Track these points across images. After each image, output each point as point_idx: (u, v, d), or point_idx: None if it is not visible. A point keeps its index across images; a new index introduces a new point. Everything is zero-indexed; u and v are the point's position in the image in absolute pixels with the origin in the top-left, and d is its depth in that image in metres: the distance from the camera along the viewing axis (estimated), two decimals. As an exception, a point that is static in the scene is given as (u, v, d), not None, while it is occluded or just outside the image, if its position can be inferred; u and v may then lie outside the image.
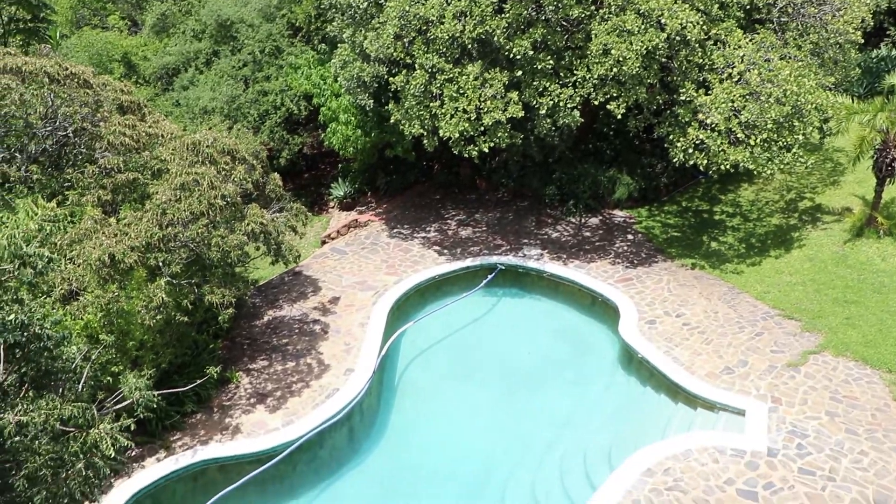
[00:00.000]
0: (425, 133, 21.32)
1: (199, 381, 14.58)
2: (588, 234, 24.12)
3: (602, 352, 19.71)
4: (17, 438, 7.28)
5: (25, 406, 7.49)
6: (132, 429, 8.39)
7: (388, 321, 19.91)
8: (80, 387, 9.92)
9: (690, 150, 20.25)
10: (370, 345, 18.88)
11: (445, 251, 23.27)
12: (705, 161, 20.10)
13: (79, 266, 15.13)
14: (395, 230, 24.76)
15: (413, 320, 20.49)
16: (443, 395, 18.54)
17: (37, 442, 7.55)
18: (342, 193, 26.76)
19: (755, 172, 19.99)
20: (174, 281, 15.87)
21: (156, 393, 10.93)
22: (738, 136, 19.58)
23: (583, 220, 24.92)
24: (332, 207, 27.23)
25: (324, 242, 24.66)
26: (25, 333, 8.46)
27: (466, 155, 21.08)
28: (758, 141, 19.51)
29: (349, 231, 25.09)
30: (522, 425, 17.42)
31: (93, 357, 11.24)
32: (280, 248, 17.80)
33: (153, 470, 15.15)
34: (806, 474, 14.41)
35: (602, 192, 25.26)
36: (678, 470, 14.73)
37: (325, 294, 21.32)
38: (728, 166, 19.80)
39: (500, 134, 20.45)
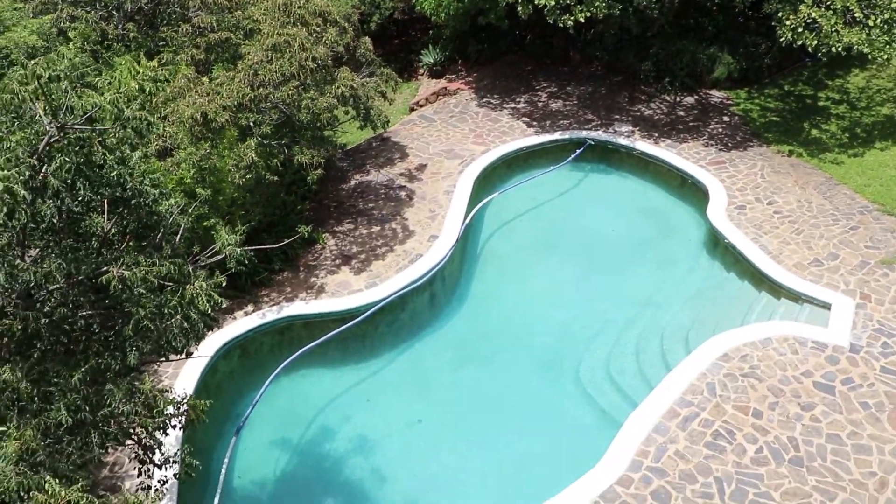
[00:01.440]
0: (519, 0, 20.61)
1: (287, 241, 15.02)
2: (682, 113, 23.36)
3: (688, 234, 19.45)
4: (123, 293, 7.70)
5: (127, 261, 7.86)
6: (223, 285, 8.74)
7: (473, 190, 19.94)
8: (176, 240, 10.30)
9: (800, 30, 19.12)
10: (455, 213, 19.01)
11: (535, 123, 22.92)
12: (815, 42, 18.99)
13: (172, 123, 15.49)
14: (484, 100, 24.41)
15: (499, 191, 20.48)
16: (524, 267, 18.71)
17: (140, 295, 7.98)
18: (432, 60, 26.34)
19: (869, 57, 18.77)
20: (264, 141, 16.14)
21: (246, 249, 11.27)
22: (856, 15, 18.35)
23: (678, 99, 24.09)
24: (422, 74, 26.90)
25: (412, 109, 24.52)
26: (126, 189, 8.78)
27: (561, 25, 20.36)
28: (877, 22, 18.25)
29: (438, 99, 24.84)
30: (602, 301, 17.54)
31: (188, 211, 11.62)
32: (369, 113, 17.82)
33: (242, 322, 15.92)
34: (888, 373, 14.22)
35: (700, 70, 24.21)
36: (755, 357, 14.71)
37: (412, 161, 21.39)
38: (840, 49, 18.66)
39: (597, 4, 19.64)
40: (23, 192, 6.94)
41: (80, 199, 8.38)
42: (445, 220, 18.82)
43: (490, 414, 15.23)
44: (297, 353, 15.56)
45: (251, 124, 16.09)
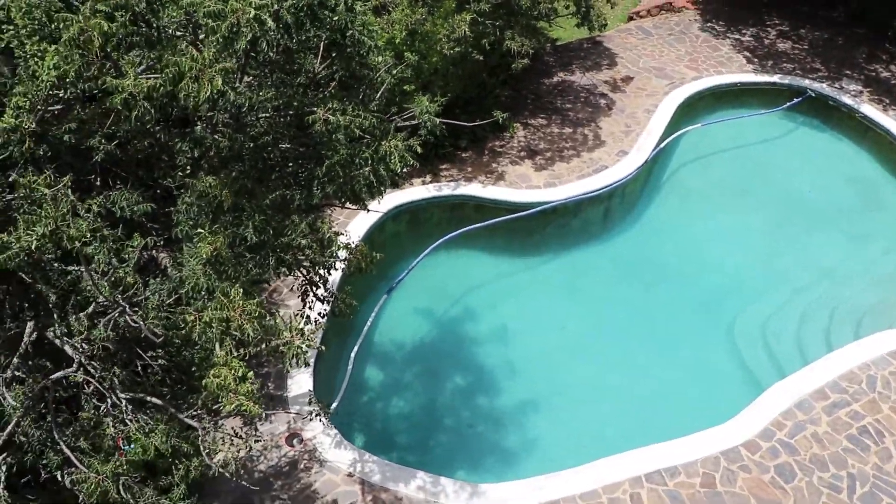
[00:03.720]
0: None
1: (480, 122, 15.07)
2: (925, 83, 21.34)
3: (894, 214, 18.02)
4: (323, 135, 7.99)
5: (334, 106, 8.10)
6: (417, 151, 8.89)
7: (675, 115, 19.15)
8: (377, 96, 10.49)
9: None
10: (651, 133, 18.38)
11: (755, 60, 21.54)
12: None
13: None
14: (708, 24, 23.10)
15: (701, 123, 19.56)
16: (708, 205, 18.06)
17: (337, 140, 8.25)
18: (666, -31, 25.02)
19: None
20: (479, 18, 16.00)
21: (441, 120, 11.35)
22: None
23: (925, 67, 21.94)
24: (651, -18, 25.67)
25: (630, 18, 23.57)
26: (346, 36, 8.95)
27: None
28: None
29: (660, 13, 23.73)
30: (780, 260, 16.75)
31: (394, 71, 11.78)
32: (588, 12, 17.33)
33: (418, 190, 16.32)
34: None
35: (964, 40, 21.79)
36: (932, 364, 13.73)
37: (619, 71, 20.71)
38: None
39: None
40: (271, 22, 7.19)
41: (303, 37, 8.63)
42: (639, 137, 18.24)
43: (635, 338, 15.10)
44: (461, 230, 15.90)
45: (470, -1, 15.98)
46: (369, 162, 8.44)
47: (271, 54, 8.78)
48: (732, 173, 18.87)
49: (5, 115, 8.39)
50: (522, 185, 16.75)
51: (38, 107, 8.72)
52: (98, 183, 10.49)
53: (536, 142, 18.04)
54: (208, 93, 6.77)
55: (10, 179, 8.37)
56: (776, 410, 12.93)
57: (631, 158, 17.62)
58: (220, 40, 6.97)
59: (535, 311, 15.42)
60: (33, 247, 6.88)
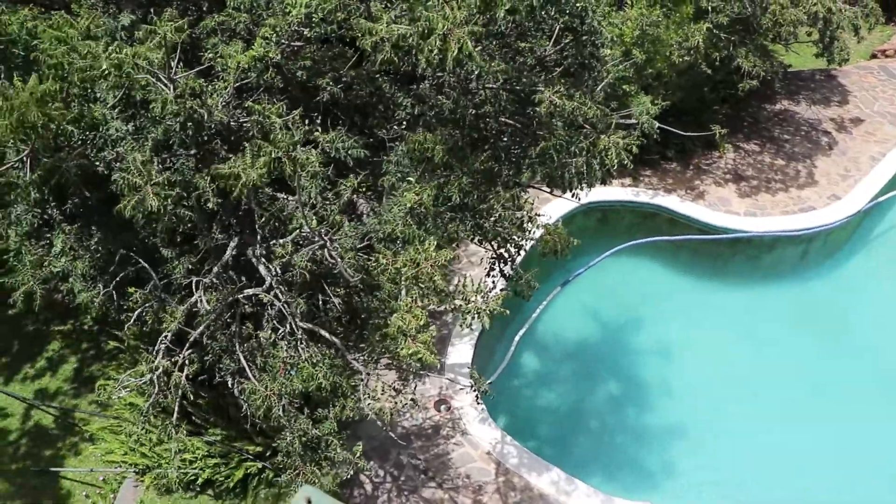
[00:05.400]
0: None
1: (695, 134, 14.68)
2: None
3: None
4: (545, 117, 8.02)
5: (561, 90, 8.09)
6: (634, 151, 8.73)
7: (905, 168, 17.81)
8: (598, 89, 10.40)
9: None
10: (872, 183, 17.12)
11: None
12: None
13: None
14: (963, 74, 21.29)
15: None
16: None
17: (555, 125, 8.25)
18: (930, 10, 23.14)
19: None
20: (715, 31, 15.49)
21: (657, 125, 11.13)
22: None
23: None
24: (903, 22, 23.86)
25: (874, 56, 22.01)
26: (584, 23, 8.90)
27: None
28: None
29: (909, 56, 22.09)
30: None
31: (619, 67, 11.63)
32: (832, 43, 16.34)
33: (616, 191, 16.12)
34: None
35: None
36: None
37: (849, 110, 19.46)
38: None
39: None
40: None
41: (540, 18, 8.67)
42: (857, 185, 17.03)
43: (802, 393, 14.26)
44: (649, 240, 15.66)
45: (710, 7, 15.42)
46: (584, 152, 8.39)
47: (506, 30, 8.90)
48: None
49: (254, 45, 8.95)
50: (721, 208, 16.17)
51: (283, 41, 9.24)
52: (319, 121, 11.03)
53: (745, 167, 17.32)
54: (454, 53, 6.89)
55: (247, 105, 8.90)
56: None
57: (843, 205, 16.53)
58: (479, 2, 7.10)
59: (704, 338, 14.91)
60: (257, 181, 7.34)
